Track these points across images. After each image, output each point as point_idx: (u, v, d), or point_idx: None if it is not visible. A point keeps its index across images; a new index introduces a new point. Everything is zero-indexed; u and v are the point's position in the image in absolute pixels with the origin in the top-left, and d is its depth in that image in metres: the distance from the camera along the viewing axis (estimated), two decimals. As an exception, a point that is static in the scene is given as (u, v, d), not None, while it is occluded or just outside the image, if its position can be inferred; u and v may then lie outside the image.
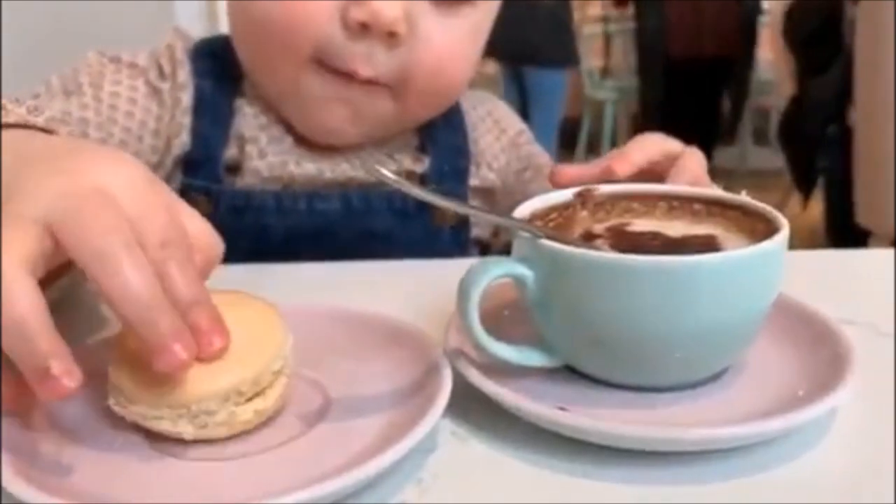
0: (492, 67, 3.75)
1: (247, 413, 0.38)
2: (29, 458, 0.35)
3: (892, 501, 0.35)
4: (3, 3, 1.57)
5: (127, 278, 0.33)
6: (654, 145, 0.58)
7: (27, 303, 0.32)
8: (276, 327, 0.40)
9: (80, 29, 1.61)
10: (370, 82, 0.63)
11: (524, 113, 3.46)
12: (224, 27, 0.87)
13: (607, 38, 4.76)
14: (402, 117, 0.68)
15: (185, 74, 0.68)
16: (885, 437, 0.39)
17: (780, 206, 3.10)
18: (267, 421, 0.39)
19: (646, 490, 0.36)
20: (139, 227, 0.35)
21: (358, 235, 0.68)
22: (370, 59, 0.61)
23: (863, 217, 2.23)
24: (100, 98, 0.65)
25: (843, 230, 2.42)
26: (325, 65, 0.62)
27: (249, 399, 0.38)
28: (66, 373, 0.32)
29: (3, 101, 0.48)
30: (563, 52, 3.57)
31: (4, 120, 0.44)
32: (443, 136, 0.73)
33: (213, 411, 0.37)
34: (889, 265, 0.61)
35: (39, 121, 0.47)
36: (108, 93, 0.65)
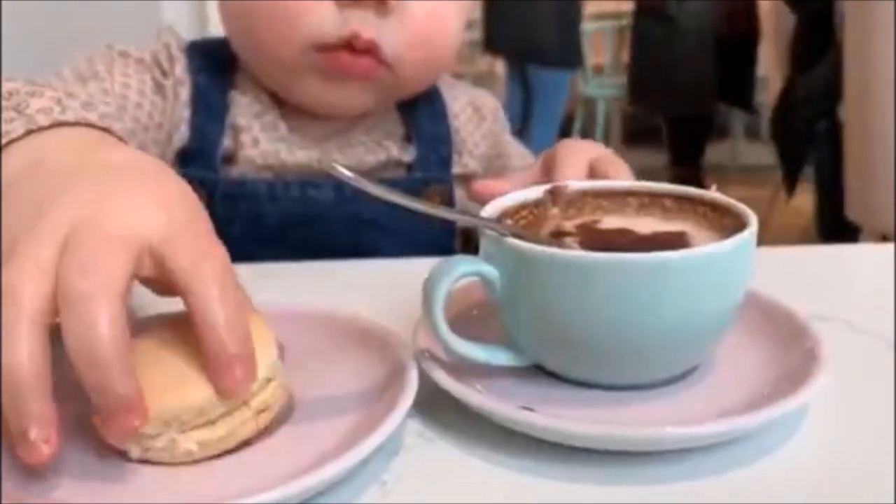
0: (487, 64, 3.76)
1: (188, 442, 0.35)
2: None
3: (864, 497, 0.34)
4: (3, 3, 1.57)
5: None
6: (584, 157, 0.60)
7: (26, 353, 0.31)
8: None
9: (67, 30, 1.60)
10: (369, 55, 0.64)
11: (527, 111, 3.49)
12: (213, 29, 0.87)
13: (602, 36, 4.75)
14: (398, 89, 0.70)
15: (181, 69, 0.70)
16: (857, 433, 0.39)
17: (772, 202, 3.11)
18: None
19: (616, 490, 0.35)
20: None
21: (349, 222, 0.69)
22: (365, 23, 0.63)
23: (853, 212, 2.23)
24: (113, 88, 0.67)
25: (834, 226, 2.42)
26: (325, 47, 0.64)
27: (196, 427, 0.35)
28: (43, 441, 0.32)
29: (61, 95, 0.46)
30: (568, 52, 3.57)
31: (63, 118, 0.43)
32: (427, 126, 0.75)
33: (153, 435, 0.35)
34: (862, 261, 0.61)
35: (93, 117, 0.46)
36: (119, 83, 0.67)
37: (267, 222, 0.68)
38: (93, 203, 0.35)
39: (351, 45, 0.63)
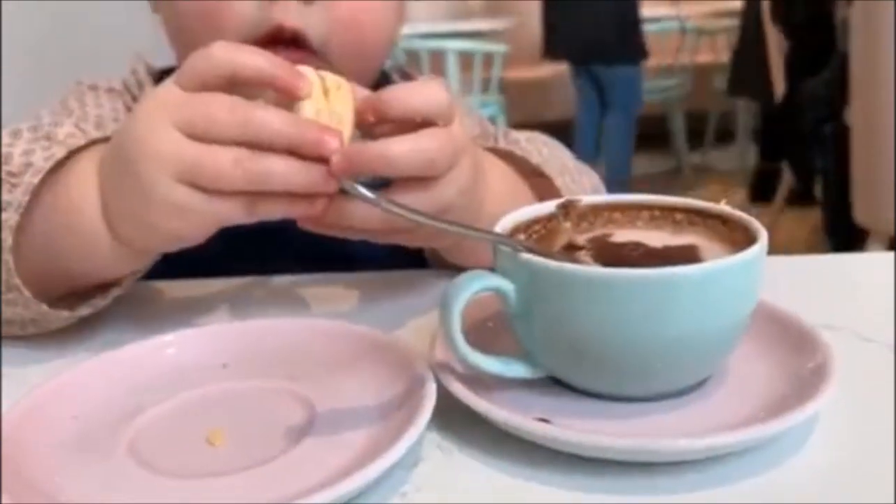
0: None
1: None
2: (14, 475, 0.36)
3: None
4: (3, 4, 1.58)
5: None
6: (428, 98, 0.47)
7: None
8: None
9: (74, 30, 1.62)
10: (297, 45, 0.62)
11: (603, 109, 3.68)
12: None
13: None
14: None
15: (149, 91, 0.70)
16: (866, 441, 0.40)
17: (779, 207, 3.11)
18: (253, 435, 0.40)
19: (630, 500, 0.36)
20: None
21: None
22: (288, 13, 0.61)
23: (861, 216, 2.23)
24: (87, 119, 0.67)
25: (841, 229, 2.42)
26: (253, 43, 0.61)
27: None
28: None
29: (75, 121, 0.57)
30: (631, 48, 3.63)
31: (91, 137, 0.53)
32: None
33: None
34: (869, 270, 0.61)
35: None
36: (93, 115, 0.68)
37: (238, 234, 0.67)
38: None
39: (277, 38, 0.61)
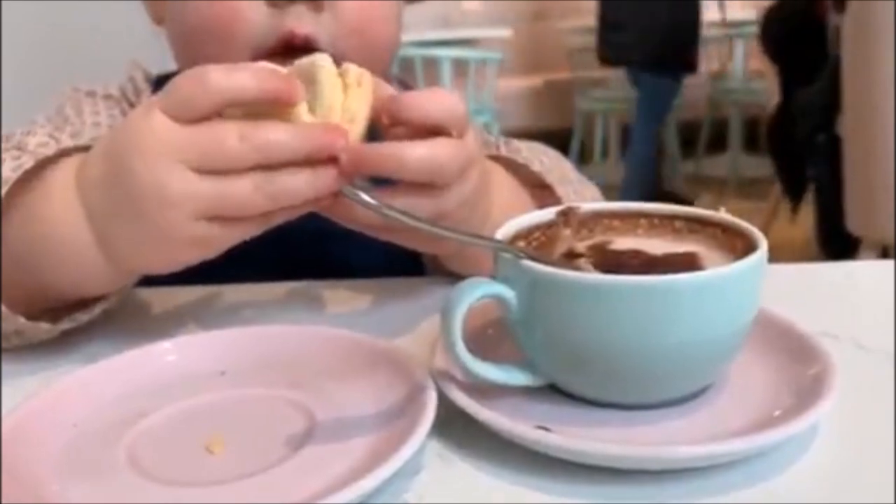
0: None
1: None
2: (12, 483, 0.36)
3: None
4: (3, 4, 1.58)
5: None
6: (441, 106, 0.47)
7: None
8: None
9: (72, 37, 1.62)
10: (308, 52, 0.62)
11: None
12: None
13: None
14: None
15: (146, 100, 0.69)
16: (866, 449, 0.40)
17: (771, 216, 3.12)
18: (252, 443, 0.40)
19: (633, 507, 0.36)
20: None
21: (316, 236, 0.64)
22: (300, 20, 0.62)
23: (853, 225, 2.24)
24: (83, 130, 0.67)
25: (834, 238, 2.43)
26: (264, 51, 0.62)
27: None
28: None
29: (50, 130, 0.56)
30: (683, 59, 3.60)
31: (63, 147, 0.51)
32: None
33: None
34: (869, 278, 0.62)
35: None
36: (90, 123, 0.67)
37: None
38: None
39: (288, 45, 0.61)
